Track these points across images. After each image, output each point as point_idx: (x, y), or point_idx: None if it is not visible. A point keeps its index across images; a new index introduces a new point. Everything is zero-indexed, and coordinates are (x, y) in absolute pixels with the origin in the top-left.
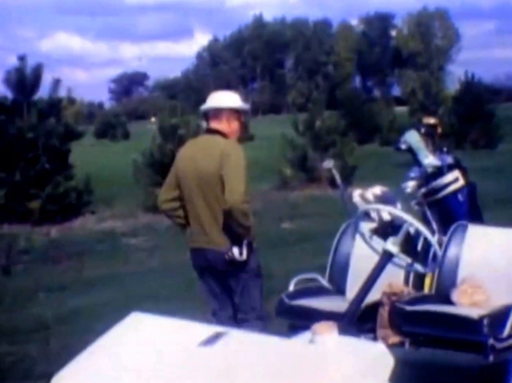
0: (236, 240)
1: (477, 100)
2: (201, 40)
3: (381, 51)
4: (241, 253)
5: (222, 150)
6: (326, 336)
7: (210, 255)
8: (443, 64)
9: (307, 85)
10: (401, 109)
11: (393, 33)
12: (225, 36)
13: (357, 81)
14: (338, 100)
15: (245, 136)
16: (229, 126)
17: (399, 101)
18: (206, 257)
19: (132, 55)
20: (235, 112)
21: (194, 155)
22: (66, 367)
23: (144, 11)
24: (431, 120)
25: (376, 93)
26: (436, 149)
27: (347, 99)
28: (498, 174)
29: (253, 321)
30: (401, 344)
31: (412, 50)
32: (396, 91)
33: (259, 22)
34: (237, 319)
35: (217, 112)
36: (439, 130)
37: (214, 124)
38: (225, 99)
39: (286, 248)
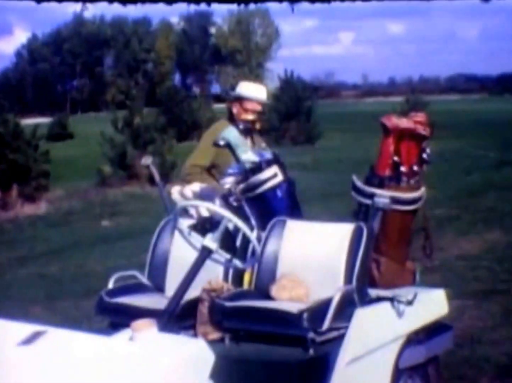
0: None
1: (296, 97)
2: (20, 37)
3: (201, 48)
4: None
5: None
6: (145, 333)
7: None
8: (263, 61)
9: (127, 83)
10: (220, 107)
11: (213, 30)
12: (43, 33)
13: (177, 78)
14: (158, 98)
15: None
16: None
17: (219, 99)
18: None
19: None
20: None
21: None
22: None
23: None
24: None
25: (196, 90)
26: (255, 145)
27: (166, 97)
28: (316, 169)
29: None
30: (222, 340)
31: (232, 47)
32: (216, 88)
33: (78, 20)
34: None
35: None
36: (258, 126)
37: None
38: None
39: (106, 246)
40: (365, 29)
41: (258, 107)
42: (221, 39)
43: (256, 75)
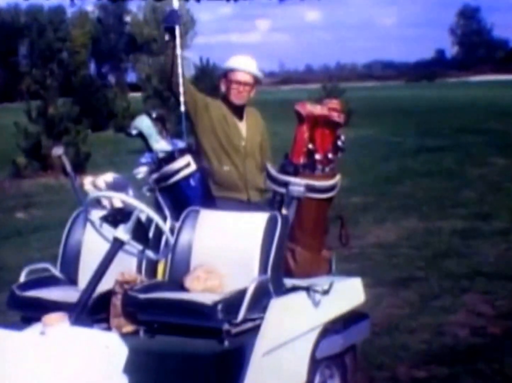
0: None
1: (212, 85)
2: None
3: (116, 37)
4: None
5: None
6: (57, 327)
7: None
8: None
9: (42, 72)
10: (136, 95)
11: (128, 19)
12: None
13: (93, 67)
14: (73, 87)
15: None
16: None
17: (135, 87)
18: None
19: None
20: None
21: None
22: None
23: None
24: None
25: (112, 79)
26: (168, 134)
27: (81, 86)
28: None
29: None
30: (136, 333)
31: (147, 36)
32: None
33: None
34: None
35: None
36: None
37: None
38: None
39: (19, 238)
40: (282, 16)
41: (246, 77)
42: (136, 28)
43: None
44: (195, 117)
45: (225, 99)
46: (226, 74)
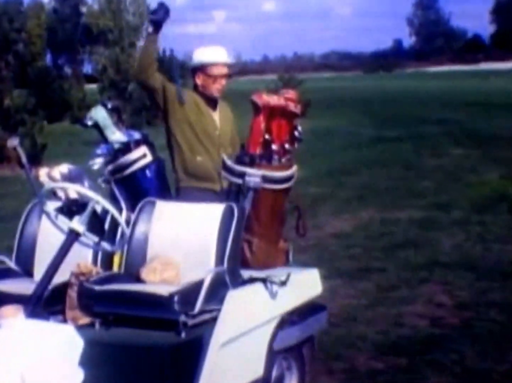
0: None
1: (168, 76)
2: None
3: (72, 28)
4: None
5: None
6: (12, 320)
7: None
8: (135, 40)
9: None
10: (93, 87)
11: (84, 9)
12: None
13: (49, 58)
14: (29, 78)
15: None
16: None
17: (92, 79)
18: None
19: None
20: None
21: None
22: None
23: None
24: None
25: (68, 70)
26: (124, 125)
27: (37, 77)
28: None
29: None
30: (92, 325)
31: (103, 26)
32: (88, 68)
33: None
34: None
35: None
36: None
37: None
38: None
39: None
40: (239, 7)
41: (225, 70)
42: (92, 18)
43: (129, 54)
44: (166, 104)
45: (198, 90)
46: (202, 67)
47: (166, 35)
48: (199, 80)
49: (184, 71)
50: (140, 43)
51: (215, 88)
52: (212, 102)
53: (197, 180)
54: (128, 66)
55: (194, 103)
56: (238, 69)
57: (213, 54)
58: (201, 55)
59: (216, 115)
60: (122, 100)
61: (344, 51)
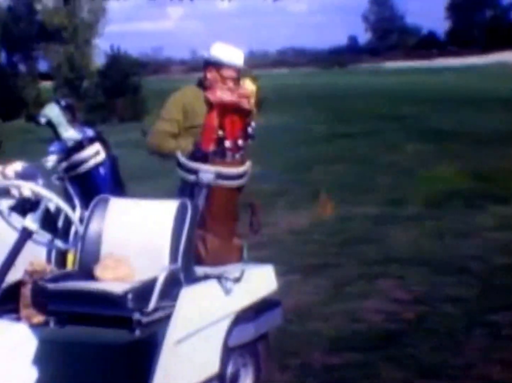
0: None
1: (123, 73)
2: None
3: (27, 25)
4: None
5: None
6: None
7: None
8: (90, 38)
9: None
10: (48, 84)
11: (39, 7)
12: None
13: (3, 56)
14: None
15: None
16: None
17: (47, 76)
18: None
19: None
20: None
21: None
22: None
23: None
24: None
25: (22, 68)
26: (78, 123)
27: None
28: (145, 146)
29: None
30: (46, 323)
31: (57, 24)
32: (43, 65)
33: None
34: None
35: None
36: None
37: None
38: None
39: None
40: (195, 3)
41: (235, 75)
42: (47, 16)
43: (83, 52)
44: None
45: (205, 84)
46: (216, 64)
47: (122, 33)
48: (209, 75)
49: (138, 69)
50: (95, 40)
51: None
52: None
53: None
54: (83, 64)
55: (199, 104)
56: (194, 66)
57: (232, 56)
58: (220, 52)
59: None
60: (76, 98)
61: (300, 47)
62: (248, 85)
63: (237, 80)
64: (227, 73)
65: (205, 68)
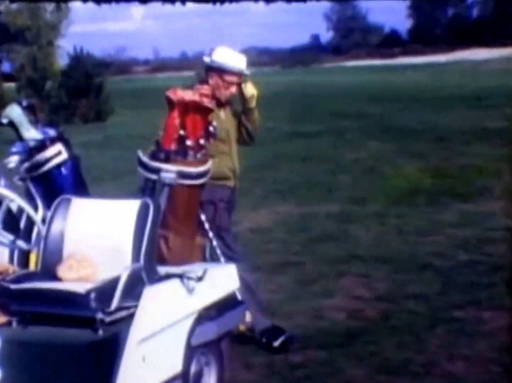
0: None
1: (86, 73)
2: None
3: None
4: None
5: None
6: None
7: None
8: (53, 38)
9: None
10: (11, 85)
11: (2, 8)
12: None
13: None
14: None
15: None
16: None
17: (10, 77)
18: None
19: None
20: None
21: None
22: None
23: None
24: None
25: None
26: (40, 123)
27: None
28: (108, 146)
29: None
30: (8, 323)
31: (20, 25)
32: (6, 67)
33: None
34: None
35: None
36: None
37: None
38: None
39: None
40: (157, 3)
41: (238, 80)
42: (10, 17)
43: (46, 53)
44: None
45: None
46: (219, 69)
47: (85, 34)
48: (211, 80)
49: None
50: (58, 41)
51: (224, 94)
52: (218, 101)
53: (213, 180)
54: (46, 64)
55: None
56: (157, 66)
57: (235, 62)
58: (223, 57)
59: (221, 113)
60: (40, 98)
61: (263, 47)
62: (250, 89)
63: (239, 85)
64: (230, 78)
65: (207, 73)
